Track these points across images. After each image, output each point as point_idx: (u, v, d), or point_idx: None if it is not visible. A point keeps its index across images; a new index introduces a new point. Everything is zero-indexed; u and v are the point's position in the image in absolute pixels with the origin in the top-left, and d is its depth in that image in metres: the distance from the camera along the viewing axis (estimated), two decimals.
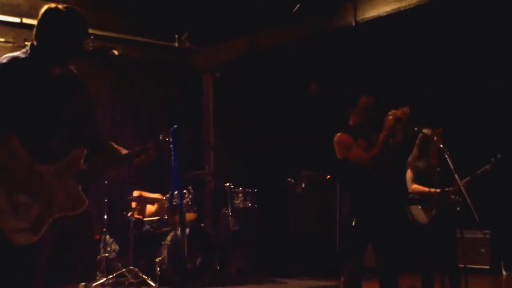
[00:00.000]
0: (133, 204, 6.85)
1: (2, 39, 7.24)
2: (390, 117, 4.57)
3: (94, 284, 6.02)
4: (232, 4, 7.69)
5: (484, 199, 5.78)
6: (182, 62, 8.95)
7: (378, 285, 4.71)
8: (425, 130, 5.59)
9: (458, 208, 5.61)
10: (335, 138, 4.76)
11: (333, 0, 7.59)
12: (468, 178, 5.87)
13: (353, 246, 4.67)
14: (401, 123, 4.62)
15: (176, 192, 4.43)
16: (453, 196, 5.69)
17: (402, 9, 7.03)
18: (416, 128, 5.01)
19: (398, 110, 4.62)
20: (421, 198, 5.95)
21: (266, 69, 8.70)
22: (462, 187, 5.14)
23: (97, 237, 6.62)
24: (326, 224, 7.21)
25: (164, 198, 6.74)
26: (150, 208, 6.98)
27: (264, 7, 7.76)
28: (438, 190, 5.78)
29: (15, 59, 2.89)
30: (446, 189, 5.65)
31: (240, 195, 7.36)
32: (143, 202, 6.90)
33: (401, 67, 8.07)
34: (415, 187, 6.00)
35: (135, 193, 6.89)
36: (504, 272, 8.17)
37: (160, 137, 3.27)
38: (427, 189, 5.89)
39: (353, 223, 4.58)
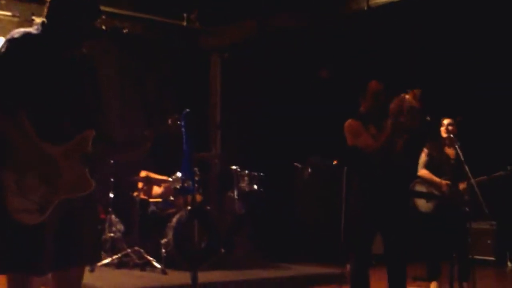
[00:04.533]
0: (140, 185, 6.80)
1: (9, 13, 7.15)
2: (395, 102, 4.52)
3: (98, 264, 6.00)
4: None
5: (490, 190, 5.75)
6: (190, 41, 8.86)
7: (385, 272, 4.69)
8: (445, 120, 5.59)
9: (467, 209, 5.56)
10: (346, 124, 4.72)
11: None
12: (482, 178, 5.80)
13: (361, 234, 4.63)
14: (412, 109, 4.55)
15: (187, 177, 4.39)
16: (466, 197, 5.65)
17: None
18: (428, 118, 4.95)
19: (407, 94, 4.55)
20: (424, 192, 5.92)
21: (275, 51, 8.61)
22: (474, 184, 5.12)
23: (103, 216, 6.59)
24: (332, 210, 7.18)
25: (171, 179, 6.69)
26: (156, 190, 6.94)
27: None
28: (448, 182, 5.78)
29: (27, 35, 2.82)
30: (460, 184, 5.65)
31: (246, 178, 7.30)
32: (149, 183, 6.85)
33: (413, 53, 7.98)
34: (425, 172, 5.97)
35: (142, 174, 6.83)
36: (509, 264, 8.16)
37: (168, 122, 3.22)
38: (437, 179, 5.85)
39: (361, 211, 4.54)
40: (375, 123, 4.66)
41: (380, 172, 4.60)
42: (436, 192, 5.86)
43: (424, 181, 5.98)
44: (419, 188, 6.00)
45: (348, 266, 5.46)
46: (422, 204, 5.95)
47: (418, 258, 6.25)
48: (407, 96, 4.52)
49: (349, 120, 4.73)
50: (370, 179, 4.62)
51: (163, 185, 6.86)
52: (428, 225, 5.99)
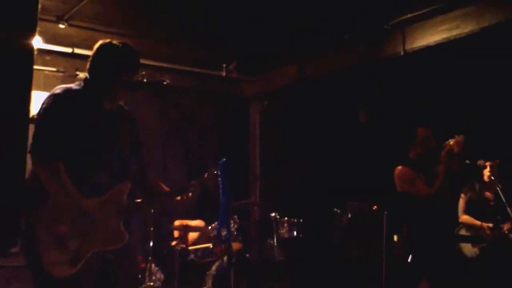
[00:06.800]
0: (176, 233, 6.83)
1: (54, 69, 7.35)
2: (445, 149, 4.51)
3: None
4: (280, 33, 7.69)
5: None
6: (229, 91, 9.01)
7: None
8: (479, 162, 5.49)
9: None
10: (396, 172, 4.71)
11: (382, 29, 7.52)
12: None
13: (407, 280, 4.57)
14: (452, 154, 4.53)
15: (223, 226, 4.42)
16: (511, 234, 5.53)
17: (452, 38, 6.90)
18: (467, 161, 4.92)
19: (452, 140, 4.55)
20: (469, 236, 5.80)
21: (314, 97, 8.67)
22: None
23: (143, 265, 6.63)
24: (372, 255, 7.07)
25: (210, 228, 6.72)
26: (193, 235, 6.96)
27: (312, 36, 7.74)
28: (490, 225, 5.66)
29: (68, 91, 2.94)
30: (502, 226, 5.53)
31: (286, 224, 7.28)
32: (185, 231, 6.88)
33: (451, 97, 7.92)
34: (466, 218, 5.87)
35: (176, 223, 6.87)
36: None
37: (205, 175, 3.24)
38: (478, 222, 5.74)
39: (409, 258, 4.50)
40: (425, 170, 4.64)
41: (431, 217, 4.56)
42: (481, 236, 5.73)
43: (467, 226, 5.87)
44: (464, 233, 5.89)
45: None
46: (468, 249, 5.82)
47: None
48: (451, 142, 4.52)
49: (400, 167, 4.72)
50: (420, 225, 4.58)
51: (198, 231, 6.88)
52: (474, 270, 5.85)
